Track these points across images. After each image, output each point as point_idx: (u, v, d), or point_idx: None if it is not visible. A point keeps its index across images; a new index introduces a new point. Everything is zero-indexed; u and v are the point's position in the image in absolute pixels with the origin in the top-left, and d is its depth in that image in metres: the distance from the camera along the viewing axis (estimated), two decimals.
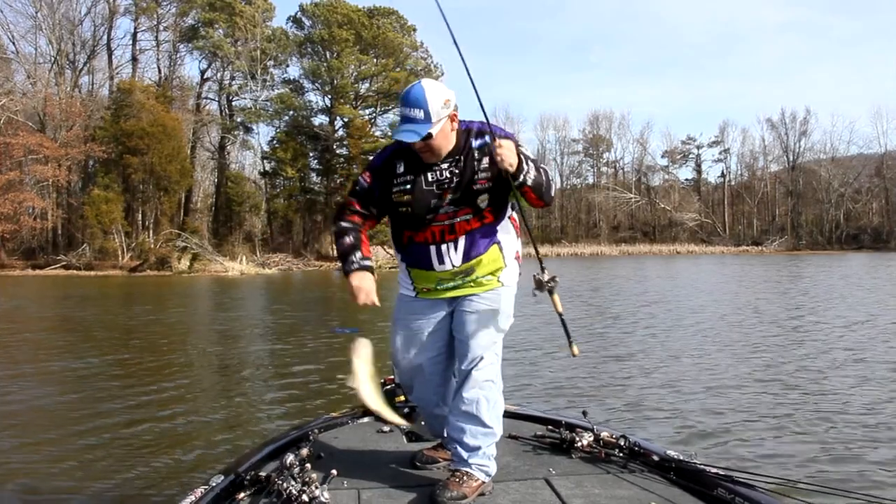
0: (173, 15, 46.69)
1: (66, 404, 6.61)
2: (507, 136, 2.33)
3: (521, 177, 2.25)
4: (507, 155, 2.19)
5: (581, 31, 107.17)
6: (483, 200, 2.34)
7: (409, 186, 2.35)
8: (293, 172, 46.14)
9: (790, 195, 67.28)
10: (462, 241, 2.36)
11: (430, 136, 2.26)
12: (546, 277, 2.31)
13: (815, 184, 65.89)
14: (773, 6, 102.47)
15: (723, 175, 71.69)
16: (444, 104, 2.27)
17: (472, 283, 2.42)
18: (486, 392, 2.40)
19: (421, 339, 2.48)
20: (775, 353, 8.83)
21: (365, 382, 2.35)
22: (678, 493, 2.33)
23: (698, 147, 71.74)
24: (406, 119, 2.26)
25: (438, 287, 2.45)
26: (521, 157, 2.24)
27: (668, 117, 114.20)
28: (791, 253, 56.20)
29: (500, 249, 2.43)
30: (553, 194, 2.39)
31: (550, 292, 2.33)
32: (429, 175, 2.34)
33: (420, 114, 2.24)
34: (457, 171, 2.33)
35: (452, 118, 2.32)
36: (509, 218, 2.49)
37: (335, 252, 2.50)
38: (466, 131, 2.37)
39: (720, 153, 71.36)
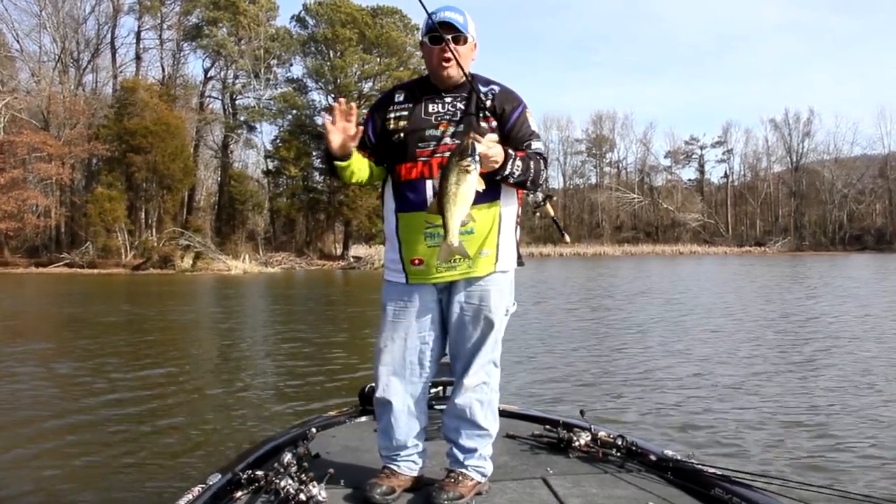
0: (177, 13, 46.70)
1: (61, 401, 6.61)
2: (520, 102, 2.31)
3: (502, 174, 2.17)
4: (491, 151, 2.10)
5: (583, 31, 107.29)
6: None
7: (406, 113, 2.30)
8: (296, 171, 46.13)
9: (793, 196, 67.15)
10: None
11: (465, 39, 2.27)
12: (540, 197, 2.68)
13: (818, 184, 65.74)
14: (775, 6, 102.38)
15: (726, 175, 71.74)
16: (474, 28, 2.32)
17: (466, 263, 2.24)
18: (479, 395, 2.36)
19: (407, 327, 2.33)
20: (775, 354, 8.80)
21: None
22: (676, 493, 2.32)
23: (701, 147, 71.81)
24: (446, 18, 2.25)
25: (430, 245, 2.24)
26: (506, 154, 2.15)
27: (672, 118, 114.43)
28: (794, 254, 56.08)
29: (500, 215, 2.28)
30: (540, 184, 2.30)
31: (545, 203, 2.69)
32: (429, 106, 2.29)
33: (461, 18, 2.26)
34: (461, 106, 2.27)
35: (474, 47, 2.33)
36: (516, 191, 2.36)
37: (326, 166, 2.34)
38: (474, 76, 2.33)
39: (723, 154, 71.42)
